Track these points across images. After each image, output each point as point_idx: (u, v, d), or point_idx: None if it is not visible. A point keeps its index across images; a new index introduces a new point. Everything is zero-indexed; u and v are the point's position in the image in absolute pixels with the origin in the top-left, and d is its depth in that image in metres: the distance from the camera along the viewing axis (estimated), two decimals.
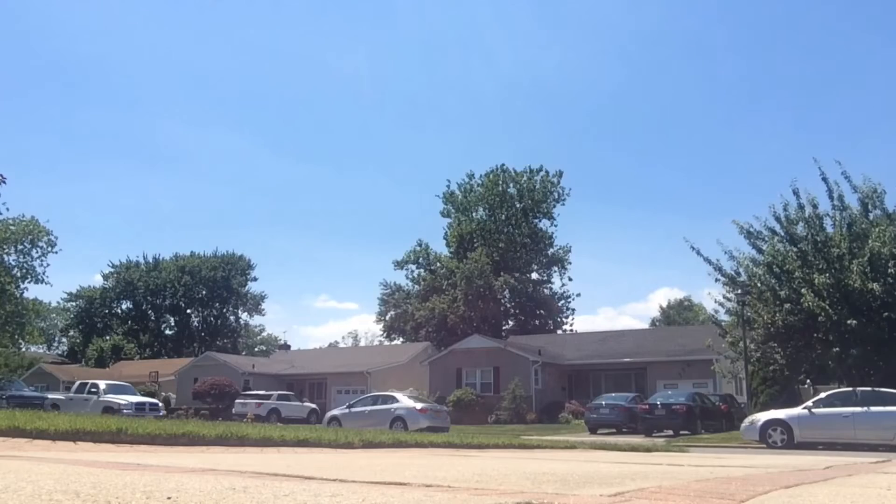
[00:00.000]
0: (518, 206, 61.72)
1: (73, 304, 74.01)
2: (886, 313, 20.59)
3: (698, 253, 24.81)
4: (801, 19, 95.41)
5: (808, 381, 27.45)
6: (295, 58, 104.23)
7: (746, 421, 18.46)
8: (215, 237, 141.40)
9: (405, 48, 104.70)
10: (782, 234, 23.69)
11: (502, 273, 56.96)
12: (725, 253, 24.73)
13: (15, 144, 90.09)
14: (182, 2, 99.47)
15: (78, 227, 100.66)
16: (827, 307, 20.92)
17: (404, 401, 24.33)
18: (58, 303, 71.57)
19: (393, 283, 65.55)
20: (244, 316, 75.93)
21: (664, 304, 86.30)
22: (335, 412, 26.40)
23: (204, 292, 72.35)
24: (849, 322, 20.51)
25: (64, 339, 77.07)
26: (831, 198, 23.37)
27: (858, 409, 16.54)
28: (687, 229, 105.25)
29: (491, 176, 62.56)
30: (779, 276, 22.89)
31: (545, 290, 62.21)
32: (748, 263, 24.22)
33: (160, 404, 30.26)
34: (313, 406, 36.68)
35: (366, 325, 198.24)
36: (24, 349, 37.90)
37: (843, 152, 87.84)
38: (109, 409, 25.53)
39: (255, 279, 75.42)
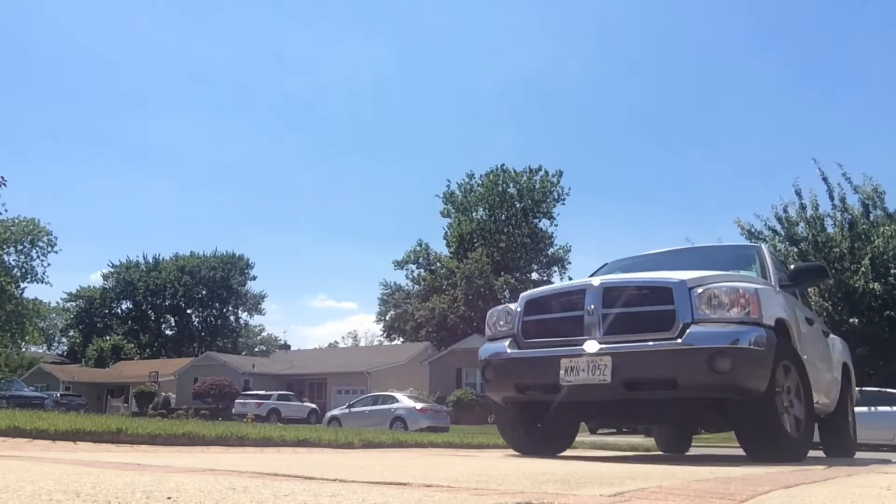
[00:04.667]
0: (518, 206, 61.74)
1: (73, 304, 74.06)
2: (887, 312, 20.63)
3: None
4: (802, 18, 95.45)
5: None
6: (294, 56, 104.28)
7: None
8: (215, 237, 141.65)
9: (405, 47, 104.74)
10: (783, 234, 23.72)
11: (502, 273, 56.97)
12: None
13: (14, 144, 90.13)
14: (180, 1, 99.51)
15: (78, 227, 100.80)
16: (829, 307, 20.97)
17: (404, 401, 24.37)
18: (57, 303, 71.65)
19: (393, 282, 65.61)
20: (244, 316, 76.08)
21: None
22: (335, 412, 26.42)
23: (204, 292, 72.42)
24: (850, 321, 20.54)
25: (64, 339, 77.18)
26: (832, 198, 23.40)
27: (859, 408, 16.51)
28: (687, 229, 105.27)
29: (491, 176, 62.58)
30: None
31: None
32: None
33: None
34: (313, 406, 36.74)
35: (365, 325, 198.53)
36: (24, 349, 37.93)
37: (843, 152, 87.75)
38: None
39: (254, 278, 75.56)
